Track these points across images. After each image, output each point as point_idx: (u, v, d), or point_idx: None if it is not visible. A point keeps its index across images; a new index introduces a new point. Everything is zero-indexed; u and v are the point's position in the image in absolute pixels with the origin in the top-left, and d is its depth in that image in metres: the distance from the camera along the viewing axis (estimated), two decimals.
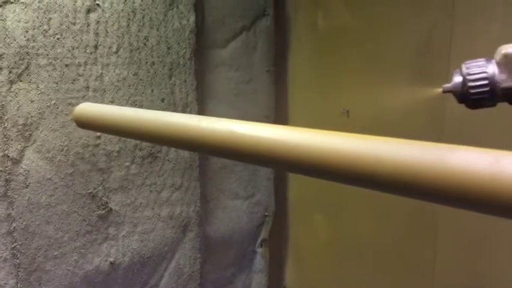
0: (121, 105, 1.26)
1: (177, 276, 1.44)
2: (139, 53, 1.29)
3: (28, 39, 1.10)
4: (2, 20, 1.06)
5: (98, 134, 1.24)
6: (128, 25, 1.26)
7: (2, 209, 1.12)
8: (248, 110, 1.55)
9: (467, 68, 0.43)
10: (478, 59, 0.43)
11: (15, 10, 1.08)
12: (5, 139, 1.10)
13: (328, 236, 1.58)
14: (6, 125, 1.10)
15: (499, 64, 0.41)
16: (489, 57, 0.43)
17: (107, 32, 1.23)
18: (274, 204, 1.66)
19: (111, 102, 1.25)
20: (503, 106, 0.46)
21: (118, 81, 1.26)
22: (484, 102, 0.42)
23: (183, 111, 1.38)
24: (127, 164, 1.30)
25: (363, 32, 1.38)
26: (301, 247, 1.68)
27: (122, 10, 1.24)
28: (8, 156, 1.11)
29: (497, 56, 0.42)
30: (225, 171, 1.54)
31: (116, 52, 1.25)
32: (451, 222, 1.19)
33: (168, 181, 1.38)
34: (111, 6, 1.23)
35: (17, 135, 1.12)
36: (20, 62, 1.10)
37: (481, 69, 0.41)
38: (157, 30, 1.31)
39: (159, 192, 1.37)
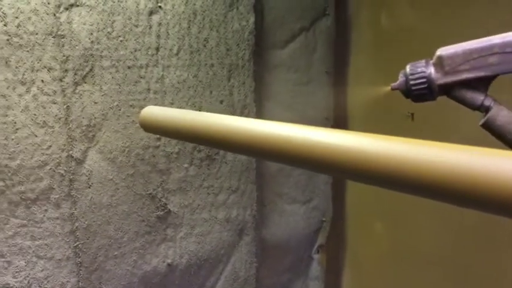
0: (181, 107, 1.26)
1: (232, 280, 1.42)
2: (199, 54, 1.28)
3: (92, 42, 1.12)
4: (69, 23, 1.09)
5: (158, 135, 1.24)
6: (189, 27, 1.26)
7: (65, 209, 1.14)
8: (307, 112, 1.51)
9: (410, 70, 0.50)
10: (420, 61, 0.50)
11: (80, 13, 1.10)
12: (70, 140, 1.12)
13: (389, 244, 1.51)
14: (71, 126, 1.12)
15: (434, 65, 0.49)
16: (429, 59, 0.50)
17: (168, 34, 1.23)
18: (331, 209, 1.61)
19: (171, 104, 1.25)
20: None
21: (178, 83, 1.26)
22: (425, 97, 0.50)
23: (241, 113, 1.37)
24: (186, 165, 1.30)
25: (429, 32, 1.31)
26: (360, 255, 1.63)
27: (183, 12, 1.24)
28: (72, 157, 1.13)
29: (434, 57, 0.49)
30: (282, 174, 1.51)
31: (177, 54, 1.25)
32: None
33: (225, 184, 1.37)
34: (173, 8, 1.23)
35: (81, 136, 1.14)
36: (85, 64, 1.12)
37: (421, 69, 0.49)
38: (217, 31, 1.30)
39: (216, 195, 1.36)
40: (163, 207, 1.28)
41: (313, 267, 1.61)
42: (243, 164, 1.39)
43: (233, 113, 1.36)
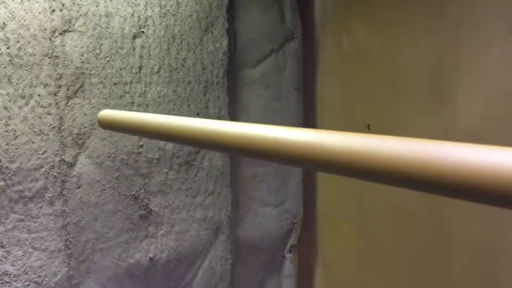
0: None
1: (209, 274, 1.58)
2: (178, 73, 1.47)
3: (83, 62, 1.31)
4: (62, 46, 1.28)
5: (141, 143, 1.42)
6: (168, 49, 1.44)
7: (58, 206, 1.31)
8: (278, 124, 1.68)
9: None
10: None
11: (72, 37, 1.29)
12: (62, 146, 1.30)
13: (356, 245, 1.66)
14: (63, 134, 1.30)
15: None
16: None
17: (150, 55, 1.42)
18: (302, 212, 1.77)
19: None
20: None
21: (159, 97, 1.44)
22: None
23: None
24: (166, 170, 1.47)
25: (381, 52, 1.49)
26: (330, 254, 1.78)
27: (163, 36, 1.43)
28: (64, 161, 1.31)
29: None
30: (256, 180, 1.67)
31: (158, 72, 1.43)
32: (469, 228, 1.25)
33: (202, 187, 1.53)
34: (154, 32, 1.42)
35: (72, 143, 1.31)
36: (76, 80, 1.30)
37: None
38: (194, 53, 1.49)
39: (194, 197, 1.52)
40: (145, 207, 1.44)
41: (286, 266, 1.77)
42: (219, 169, 1.56)
43: None
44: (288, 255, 1.76)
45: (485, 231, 1.20)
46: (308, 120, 1.76)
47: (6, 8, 1.21)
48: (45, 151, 1.28)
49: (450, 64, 1.30)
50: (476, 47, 1.21)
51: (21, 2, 1.22)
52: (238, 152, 0.60)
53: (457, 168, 0.36)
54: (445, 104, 1.33)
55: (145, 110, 1.42)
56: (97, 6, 1.32)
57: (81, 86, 1.31)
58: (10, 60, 1.22)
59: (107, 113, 0.78)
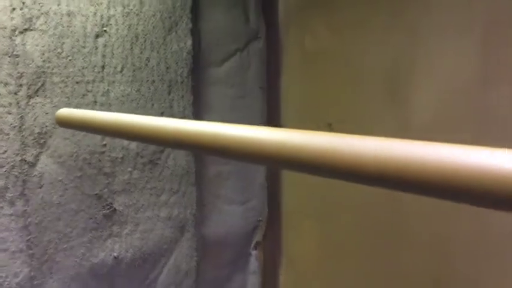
0: None
1: (174, 272, 1.59)
2: (142, 72, 1.47)
3: (44, 61, 1.30)
4: (23, 45, 1.26)
5: (104, 142, 1.42)
6: (132, 48, 1.45)
7: (19, 206, 1.30)
8: (243, 123, 1.70)
9: None
10: None
11: (34, 36, 1.28)
12: (23, 145, 1.29)
13: (319, 241, 1.70)
14: (24, 133, 1.29)
15: None
16: None
17: (113, 54, 1.42)
18: (267, 210, 1.80)
19: None
20: None
21: (122, 96, 1.44)
22: None
23: None
24: (130, 169, 1.47)
25: (342, 52, 1.53)
26: (294, 251, 1.81)
27: (126, 35, 1.43)
28: (25, 161, 1.29)
29: None
30: (221, 178, 1.69)
31: (121, 71, 1.43)
32: (425, 225, 1.31)
33: (166, 185, 1.54)
34: (117, 31, 1.42)
35: (33, 142, 1.30)
36: (37, 79, 1.29)
37: None
38: (158, 52, 1.49)
39: (158, 196, 1.53)
40: (109, 206, 1.44)
41: (251, 263, 1.79)
42: (183, 168, 1.57)
43: None
44: (253, 252, 1.79)
45: (438, 224, 1.26)
46: (272, 119, 1.79)
47: None
48: (6, 151, 1.27)
49: (407, 64, 1.35)
50: (430, 47, 1.26)
51: None
52: (201, 151, 0.62)
53: (414, 164, 0.37)
54: (402, 103, 1.38)
55: (109, 109, 1.42)
56: (58, 5, 1.32)
57: (43, 85, 1.30)
58: None
59: (66, 112, 0.79)
